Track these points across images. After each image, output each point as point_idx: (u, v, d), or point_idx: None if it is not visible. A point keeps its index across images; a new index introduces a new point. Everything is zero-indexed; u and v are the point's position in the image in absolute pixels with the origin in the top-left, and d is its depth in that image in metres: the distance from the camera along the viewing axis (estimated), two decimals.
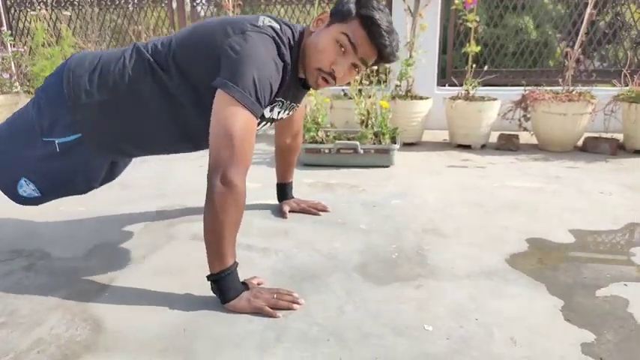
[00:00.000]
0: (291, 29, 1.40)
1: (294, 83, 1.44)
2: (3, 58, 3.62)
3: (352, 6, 1.33)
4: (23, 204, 1.51)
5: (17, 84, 3.59)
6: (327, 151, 2.60)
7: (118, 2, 4.30)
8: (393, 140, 2.68)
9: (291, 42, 1.38)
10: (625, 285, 1.36)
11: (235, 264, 1.25)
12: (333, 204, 2.03)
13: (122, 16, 4.27)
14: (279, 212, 1.94)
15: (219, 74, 1.25)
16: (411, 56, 3.14)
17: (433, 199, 2.12)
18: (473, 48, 3.00)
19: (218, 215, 1.19)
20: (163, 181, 2.47)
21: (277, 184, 1.99)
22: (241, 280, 1.29)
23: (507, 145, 3.02)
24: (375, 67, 3.17)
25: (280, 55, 1.32)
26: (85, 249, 1.65)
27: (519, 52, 3.97)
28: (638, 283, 1.37)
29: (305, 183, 2.36)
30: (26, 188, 1.46)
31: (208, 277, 1.25)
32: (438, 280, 1.40)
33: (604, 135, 2.98)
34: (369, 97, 2.82)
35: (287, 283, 1.39)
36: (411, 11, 3.22)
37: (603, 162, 2.71)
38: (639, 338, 1.12)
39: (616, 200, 2.07)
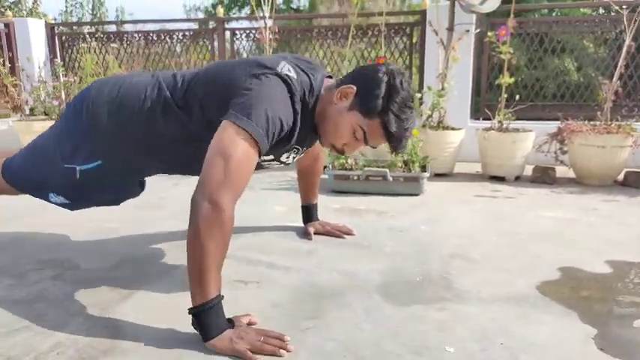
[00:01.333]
0: (309, 78, 1.39)
1: (309, 131, 1.44)
2: (54, 87, 3.85)
3: (378, 104, 1.32)
4: (58, 205, 1.60)
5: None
6: (355, 177, 2.60)
7: (163, 37, 4.53)
8: (423, 169, 2.66)
9: (306, 95, 1.37)
10: None
11: (219, 297, 1.13)
12: (360, 228, 2.01)
13: (166, 50, 4.49)
14: (303, 234, 1.94)
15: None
16: (443, 88, 3.14)
17: (462, 226, 2.06)
18: (506, 79, 2.98)
19: (202, 240, 1.09)
20: None
21: (302, 206, 1.99)
22: (230, 316, 1.18)
23: (543, 177, 2.93)
24: None
25: (293, 103, 1.32)
26: (111, 262, 1.68)
27: (559, 94, 3.86)
28: None
29: (332, 208, 2.35)
30: (56, 199, 1.55)
31: (189, 311, 1.13)
32: (463, 304, 1.35)
33: None
34: None
35: (306, 300, 1.37)
36: (443, 44, 3.24)
37: None
38: None
39: None
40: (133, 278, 1.54)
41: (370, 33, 3.94)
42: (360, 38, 3.99)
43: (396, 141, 1.36)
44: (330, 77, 1.50)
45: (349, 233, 1.93)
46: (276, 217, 2.17)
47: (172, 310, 1.31)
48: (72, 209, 1.62)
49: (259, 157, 1.23)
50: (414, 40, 3.92)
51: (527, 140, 2.96)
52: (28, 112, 4.01)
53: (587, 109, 3.70)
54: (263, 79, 1.29)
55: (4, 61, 3.88)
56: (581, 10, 6.16)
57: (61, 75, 4.09)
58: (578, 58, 5.35)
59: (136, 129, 1.41)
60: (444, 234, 1.95)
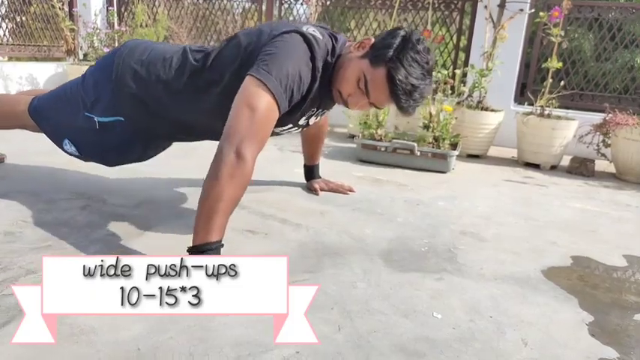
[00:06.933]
0: (332, 42, 1.42)
1: (325, 93, 1.46)
2: (107, 35, 4.00)
3: (388, 53, 1.32)
4: (71, 155, 1.71)
5: None
6: (383, 149, 2.59)
7: None
8: (454, 147, 2.62)
9: (329, 55, 1.40)
10: None
11: (220, 243, 1.15)
12: (377, 198, 2.03)
13: (217, 9, 4.54)
14: (309, 189, 2.05)
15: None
16: (487, 67, 3.04)
17: (482, 206, 2.04)
18: (554, 64, 2.85)
19: (221, 185, 1.14)
20: None
21: (305, 166, 2.08)
22: None
23: (580, 169, 2.82)
24: (449, 76, 3.11)
25: (314, 60, 1.34)
26: (135, 200, 1.78)
27: (633, 89, 3.57)
28: None
29: (354, 176, 2.37)
30: (69, 147, 1.66)
31: (188, 249, 1.16)
32: (462, 277, 1.35)
33: None
34: (434, 102, 2.76)
35: (309, 255, 1.41)
36: (493, 21, 3.13)
37: None
38: None
39: None
40: (152, 216, 1.63)
41: (420, 5, 3.84)
42: (409, 10, 3.89)
43: (400, 92, 1.30)
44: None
45: (351, 190, 2.04)
46: (298, 179, 2.21)
47: (179, 250, 1.38)
48: (84, 160, 1.72)
49: (279, 111, 1.27)
50: (465, 16, 3.79)
51: (569, 129, 2.84)
52: (81, 57, 4.18)
53: None
54: (286, 36, 1.33)
55: (62, 5, 4.05)
56: None
57: (115, 23, 4.23)
58: None
59: (156, 94, 1.49)
60: (460, 211, 1.94)
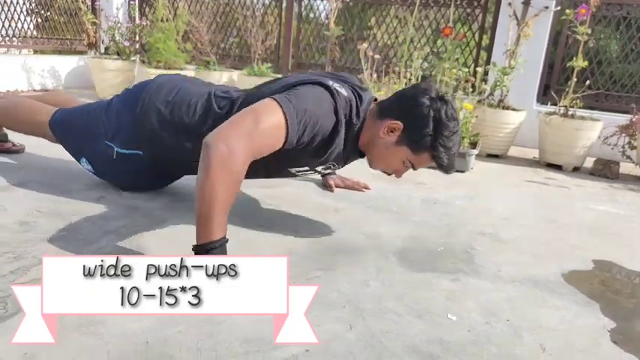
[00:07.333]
0: (357, 99, 1.40)
1: (352, 152, 1.47)
2: (127, 29, 4.03)
3: (427, 141, 1.35)
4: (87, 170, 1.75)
5: (134, 53, 3.98)
6: None
7: None
8: (473, 146, 2.56)
9: (352, 114, 1.38)
10: None
11: (224, 240, 1.12)
12: (393, 196, 1.99)
13: (237, 3, 4.54)
14: (323, 186, 2.02)
15: None
16: (509, 65, 2.98)
17: (502, 206, 1.99)
18: (579, 62, 2.77)
19: (213, 182, 1.08)
20: None
21: None
22: None
23: (604, 171, 2.74)
24: (470, 74, 3.06)
25: (336, 113, 1.33)
26: (152, 192, 1.77)
27: None
28: None
29: (371, 173, 2.32)
30: (85, 165, 1.70)
31: (192, 248, 1.12)
32: (478, 279, 1.32)
33: None
34: (454, 100, 2.71)
35: (322, 252, 1.39)
36: (517, 18, 3.05)
37: None
38: None
39: None
40: (167, 209, 1.62)
41: (442, 1, 3.78)
42: (431, 7, 3.83)
43: (446, 169, 1.41)
44: (375, 99, 1.52)
45: (366, 187, 2.03)
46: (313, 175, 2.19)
47: (191, 244, 1.37)
48: (98, 177, 1.75)
49: (286, 140, 1.22)
50: (488, 13, 3.71)
51: (593, 130, 2.77)
52: (103, 50, 4.22)
53: None
54: (311, 85, 1.33)
55: None
56: None
57: (137, 17, 4.26)
58: None
59: (179, 136, 1.49)
60: (478, 211, 1.90)
